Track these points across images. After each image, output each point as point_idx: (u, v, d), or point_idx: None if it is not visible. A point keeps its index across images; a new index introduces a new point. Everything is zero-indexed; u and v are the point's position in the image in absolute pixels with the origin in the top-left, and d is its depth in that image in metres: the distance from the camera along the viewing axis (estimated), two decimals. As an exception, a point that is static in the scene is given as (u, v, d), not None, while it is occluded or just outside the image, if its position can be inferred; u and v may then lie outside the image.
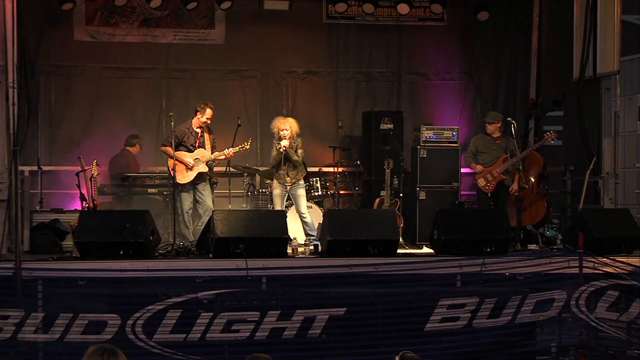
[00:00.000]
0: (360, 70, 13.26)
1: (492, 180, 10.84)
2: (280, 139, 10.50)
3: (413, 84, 13.38)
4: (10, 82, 9.52)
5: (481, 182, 10.91)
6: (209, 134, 10.59)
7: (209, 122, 10.50)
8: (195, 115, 10.54)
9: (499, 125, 11.01)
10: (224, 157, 10.59)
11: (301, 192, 10.62)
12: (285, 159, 10.46)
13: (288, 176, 10.50)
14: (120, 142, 11.93)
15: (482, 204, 11.02)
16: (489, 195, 10.87)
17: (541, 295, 8.77)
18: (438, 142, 11.94)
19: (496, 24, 13.16)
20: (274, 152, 10.56)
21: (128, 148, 11.84)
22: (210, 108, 10.50)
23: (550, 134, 10.74)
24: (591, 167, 10.87)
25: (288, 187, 10.55)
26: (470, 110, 13.28)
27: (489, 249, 9.28)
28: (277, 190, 10.58)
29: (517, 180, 10.47)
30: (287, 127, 10.49)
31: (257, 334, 8.37)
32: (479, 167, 10.93)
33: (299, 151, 10.54)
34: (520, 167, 10.41)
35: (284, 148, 10.40)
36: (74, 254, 9.06)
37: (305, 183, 11.13)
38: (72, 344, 8.14)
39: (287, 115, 13.02)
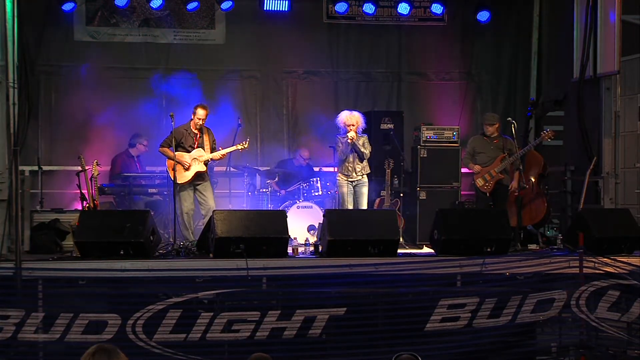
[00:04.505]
0: (360, 70, 13.28)
1: (490, 180, 10.83)
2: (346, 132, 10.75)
3: (413, 84, 13.39)
4: (10, 82, 9.54)
5: (479, 182, 10.91)
6: (209, 135, 10.59)
7: (200, 121, 10.46)
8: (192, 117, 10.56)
9: (497, 125, 11.02)
10: (220, 156, 10.59)
11: (365, 191, 10.80)
12: (353, 150, 10.68)
13: (357, 168, 10.71)
14: (119, 142, 11.93)
15: (481, 204, 11.00)
16: (488, 195, 10.88)
17: (541, 295, 8.77)
18: (438, 142, 11.93)
19: (496, 24, 13.16)
20: (341, 146, 10.72)
21: (129, 149, 11.84)
22: (203, 108, 10.48)
23: (547, 132, 10.74)
24: (591, 167, 10.87)
25: (354, 183, 10.72)
26: (470, 110, 13.29)
27: (489, 249, 9.27)
28: (344, 189, 10.75)
29: (517, 179, 10.47)
30: (354, 121, 10.72)
31: (258, 334, 8.37)
32: (477, 168, 10.92)
33: (366, 145, 10.75)
34: (521, 167, 10.41)
35: (352, 139, 10.61)
36: (74, 253, 9.05)
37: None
38: (72, 344, 8.14)
39: (287, 115, 13.11)
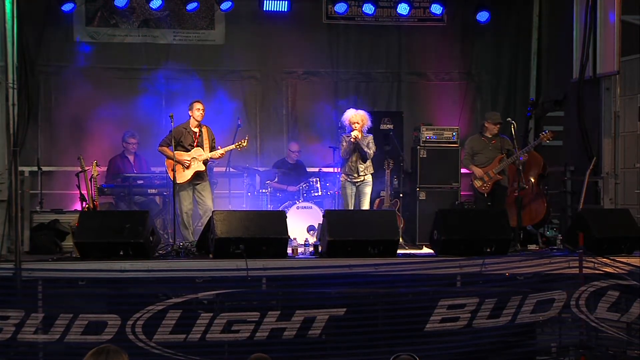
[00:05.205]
0: (360, 71, 13.29)
1: (488, 181, 10.83)
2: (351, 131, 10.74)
3: (413, 84, 13.40)
4: (10, 83, 9.53)
5: (477, 182, 10.91)
6: (209, 134, 10.59)
7: (200, 113, 10.47)
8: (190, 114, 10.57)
9: (500, 126, 11.02)
10: (219, 155, 10.59)
11: (367, 190, 10.78)
12: (356, 150, 10.66)
13: (360, 168, 10.69)
14: (119, 142, 11.90)
15: (479, 205, 11.01)
16: (486, 195, 10.87)
17: (541, 295, 8.76)
18: (438, 142, 11.91)
19: (496, 24, 13.16)
20: (345, 144, 10.73)
21: (124, 149, 11.80)
22: (199, 102, 10.57)
23: (546, 134, 10.72)
24: (591, 167, 10.87)
25: (357, 184, 10.71)
26: (470, 110, 13.30)
27: (489, 249, 9.27)
28: (347, 190, 10.75)
29: (519, 175, 10.42)
30: (358, 120, 10.70)
31: (257, 334, 8.36)
32: (479, 172, 10.87)
33: (371, 145, 10.72)
34: (520, 167, 10.40)
35: (355, 138, 10.60)
36: (74, 254, 9.06)
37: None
38: (72, 344, 8.14)
39: (286, 115, 13.11)
